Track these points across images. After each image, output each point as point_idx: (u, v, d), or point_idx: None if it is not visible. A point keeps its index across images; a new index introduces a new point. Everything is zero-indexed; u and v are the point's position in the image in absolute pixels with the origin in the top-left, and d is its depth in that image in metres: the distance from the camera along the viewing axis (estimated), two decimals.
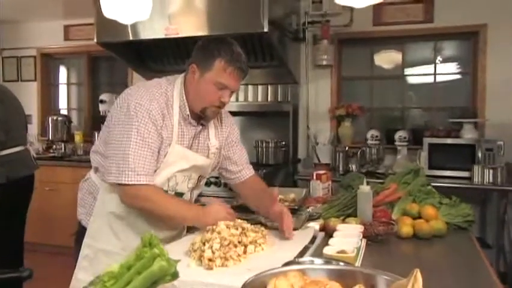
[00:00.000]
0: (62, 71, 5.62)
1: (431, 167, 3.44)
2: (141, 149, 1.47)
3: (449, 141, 3.53)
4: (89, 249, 1.61)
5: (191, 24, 3.34)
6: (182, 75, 1.63)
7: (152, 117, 1.49)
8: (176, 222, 1.65)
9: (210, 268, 1.20)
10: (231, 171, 1.81)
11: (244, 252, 1.31)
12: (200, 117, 1.62)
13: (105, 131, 1.62)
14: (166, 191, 1.61)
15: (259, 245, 1.38)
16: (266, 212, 1.69)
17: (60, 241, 4.27)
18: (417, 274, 0.77)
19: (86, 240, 1.62)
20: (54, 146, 4.89)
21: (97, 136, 4.92)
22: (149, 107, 1.49)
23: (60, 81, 5.62)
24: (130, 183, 1.45)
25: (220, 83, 1.52)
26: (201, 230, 1.52)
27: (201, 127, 1.65)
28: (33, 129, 5.31)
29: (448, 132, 3.69)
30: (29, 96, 5.33)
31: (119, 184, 1.48)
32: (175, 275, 0.62)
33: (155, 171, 1.54)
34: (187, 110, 1.58)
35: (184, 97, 1.58)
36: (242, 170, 1.82)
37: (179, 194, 1.67)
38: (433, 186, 1.99)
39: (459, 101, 3.99)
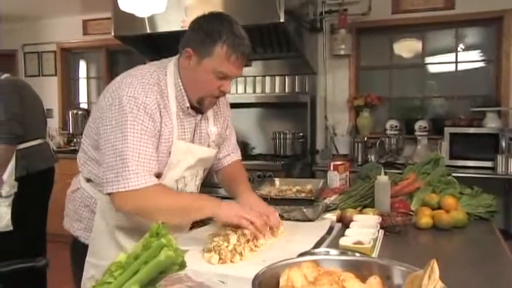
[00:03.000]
0: (82, 66, 5.70)
1: (452, 157, 3.38)
2: (141, 148, 1.28)
3: (471, 130, 3.45)
4: (94, 270, 1.42)
5: None
6: (174, 59, 1.43)
7: (148, 112, 1.30)
8: (189, 216, 1.39)
9: (223, 262, 1.18)
10: (216, 156, 1.65)
11: (256, 246, 1.29)
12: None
13: (92, 132, 1.41)
14: None
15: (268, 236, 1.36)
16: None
17: None
18: (434, 265, 0.75)
19: (89, 260, 1.45)
20: (74, 140, 4.97)
21: None
22: (145, 100, 1.30)
23: (80, 76, 5.70)
24: (133, 188, 1.25)
25: (221, 72, 1.33)
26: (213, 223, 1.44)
27: (200, 116, 1.49)
28: (54, 123, 5.41)
29: (469, 121, 3.61)
30: (49, 91, 5.43)
31: (120, 192, 1.26)
32: (182, 265, 0.62)
33: (159, 175, 1.38)
34: (186, 101, 1.40)
35: (182, 86, 1.39)
36: (227, 156, 1.68)
37: None
38: (455, 177, 1.94)
39: (481, 90, 3.89)
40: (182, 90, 1.40)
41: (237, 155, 1.72)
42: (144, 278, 0.57)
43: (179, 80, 1.39)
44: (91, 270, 1.43)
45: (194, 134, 1.49)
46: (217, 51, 1.31)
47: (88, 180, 1.48)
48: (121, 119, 1.28)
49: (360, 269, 0.86)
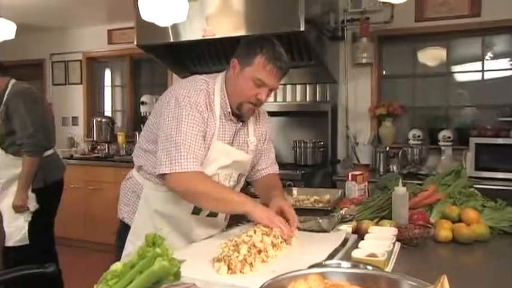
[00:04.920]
0: (107, 74, 5.81)
1: (477, 168, 3.27)
2: (192, 138, 1.49)
3: (498, 141, 3.34)
4: (132, 247, 1.64)
5: (227, 25, 3.35)
6: (223, 72, 1.66)
7: (199, 109, 1.53)
8: (227, 206, 1.54)
9: (232, 273, 1.16)
10: (254, 168, 1.83)
11: (267, 256, 1.27)
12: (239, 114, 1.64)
13: (150, 128, 1.65)
14: None
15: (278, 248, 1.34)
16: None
17: (103, 238, 4.39)
18: (445, 281, 0.72)
19: (130, 238, 1.67)
20: (98, 147, 5.06)
21: (138, 137, 5.03)
22: (197, 99, 1.53)
23: (105, 84, 5.81)
24: (183, 170, 1.46)
25: (259, 79, 1.53)
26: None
27: (240, 124, 1.67)
28: (79, 130, 5.53)
29: (496, 131, 3.50)
30: (75, 99, 5.56)
31: (172, 173, 1.47)
32: (177, 275, 0.61)
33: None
34: (228, 107, 1.60)
35: (226, 94, 1.60)
36: (265, 169, 1.84)
37: None
38: (480, 189, 1.88)
39: (509, 99, 3.76)
40: (226, 97, 1.61)
41: (274, 169, 1.88)
42: (138, 287, 0.57)
43: (224, 89, 1.61)
44: (130, 247, 1.65)
45: (233, 138, 1.67)
46: (256, 61, 1.53)
47: (139, 169, 1.70)
48: (177, 112, 1.51)
49: (368, 282, 0.83)
